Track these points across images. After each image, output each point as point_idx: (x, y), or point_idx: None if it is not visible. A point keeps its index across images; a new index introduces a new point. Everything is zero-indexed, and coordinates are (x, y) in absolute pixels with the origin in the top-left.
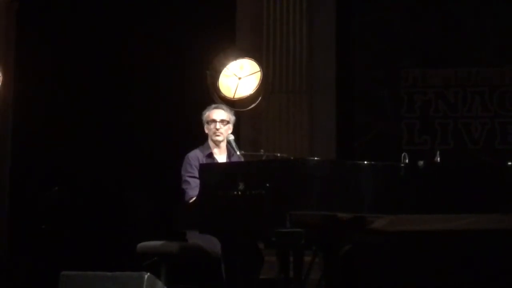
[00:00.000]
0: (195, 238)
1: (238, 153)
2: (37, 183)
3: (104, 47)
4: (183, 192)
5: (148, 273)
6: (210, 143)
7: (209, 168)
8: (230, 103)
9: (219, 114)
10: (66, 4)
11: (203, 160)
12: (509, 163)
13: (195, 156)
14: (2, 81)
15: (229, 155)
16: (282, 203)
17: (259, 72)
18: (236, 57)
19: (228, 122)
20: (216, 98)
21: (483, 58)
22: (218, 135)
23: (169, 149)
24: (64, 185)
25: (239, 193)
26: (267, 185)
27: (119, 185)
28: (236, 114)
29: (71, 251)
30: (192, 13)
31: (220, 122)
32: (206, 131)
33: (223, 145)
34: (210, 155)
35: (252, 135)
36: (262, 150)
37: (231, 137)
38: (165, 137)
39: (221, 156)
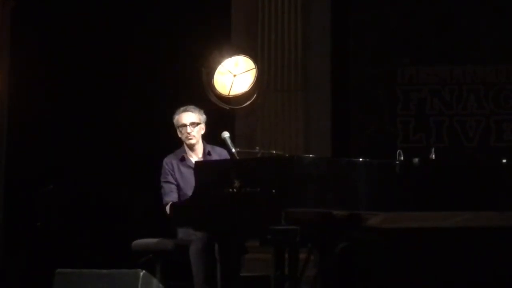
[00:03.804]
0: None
1: (233, 150)
2: (32, 180)
3: (98, 46)
4: (160, 198)
5: (144, 271)
6: (185, 146)
7: (204, 165)
8: (226, 101)
9: (188, 117)
10: (61, 2)
11: (177, 164)
12: (504, 161)
13: (169, 161)
14: None
15: (205, 153)
16: (278, 201)
17: (254, 69)
18: (231, 54)
19: (198, 124)
20: (211, 95)
21: (479, 56)
22: (190, 139)
23: (164, 147)
24: (59, 183)
25: (234, 190)
26: (263, 182)
27: (114, 183)
28: (232, 111)
29: (66, 248)
30: (187, 10)
31: (190, 126)
32: (179, 135)
33: (198, 147)
34: (183, 159)
35: (247, 132)
36: (257, 148)
37: (227, 134)
38: (160, 135)
39: (194, 158)
